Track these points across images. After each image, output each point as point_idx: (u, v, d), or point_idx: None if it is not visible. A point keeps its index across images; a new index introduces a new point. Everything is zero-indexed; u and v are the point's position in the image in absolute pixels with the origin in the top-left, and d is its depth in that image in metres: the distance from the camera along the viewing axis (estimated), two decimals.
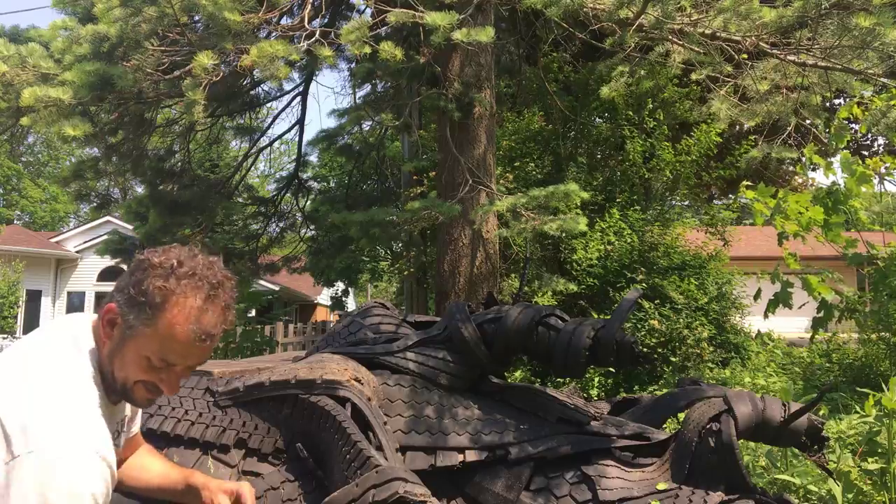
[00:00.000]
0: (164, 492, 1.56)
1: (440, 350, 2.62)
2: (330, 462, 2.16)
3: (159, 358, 1.21)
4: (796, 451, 2.80)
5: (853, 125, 11.85)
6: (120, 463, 1.42)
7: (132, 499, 1.62)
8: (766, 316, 5.11)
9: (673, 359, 6.00)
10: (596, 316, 6.26)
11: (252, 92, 7.67)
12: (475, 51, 5.36)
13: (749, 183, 5.28)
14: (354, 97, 8.80)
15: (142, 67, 4.33)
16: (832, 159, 5.17)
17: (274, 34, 4.94)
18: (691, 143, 7.67)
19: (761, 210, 5.12)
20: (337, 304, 17.67)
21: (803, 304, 5.06)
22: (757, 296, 5.63)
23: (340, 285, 17.50)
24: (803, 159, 5.45)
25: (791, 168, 10.62)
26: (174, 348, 1.20)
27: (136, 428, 1.56)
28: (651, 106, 7.70)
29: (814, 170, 5.91)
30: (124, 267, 8.94)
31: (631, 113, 7.75)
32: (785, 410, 2.32)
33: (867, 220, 5.13)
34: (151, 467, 1.59)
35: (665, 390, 4.65)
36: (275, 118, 9.07)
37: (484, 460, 2.34)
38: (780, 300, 5.01)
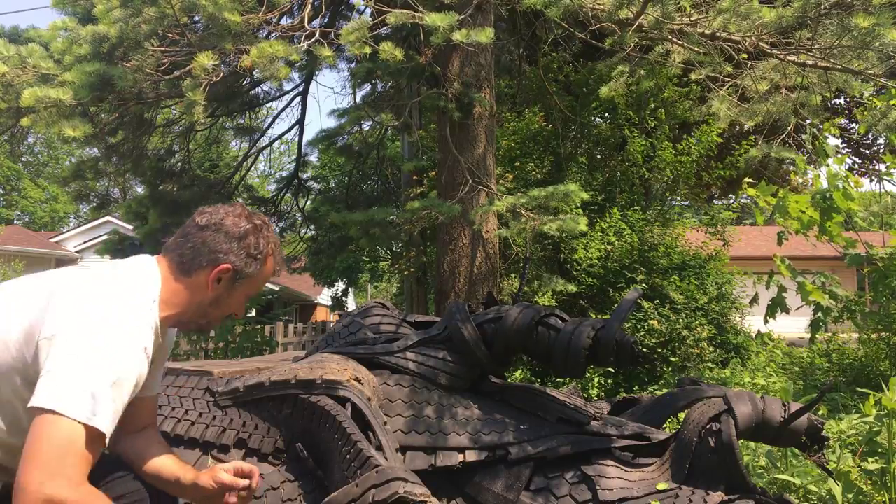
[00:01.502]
0: (177, 490, 1.63)
1: (440, 350, 2.63)
2: (330, 462, 2.16)
3: (254, 294, 1.63)
4: (796, 451, 2.80)
5: (849, 129, 11.86)
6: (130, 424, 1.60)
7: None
8: (765, 321, 5.11)
9: (673, 359, 6.00)
10: (596, 316, 6.26)
11: (252, 92, 7.67)
12: (475, 51, 5.36)
13: (751, 180, 5.28)
14: (354, 97, 8.81)
15: (142, 68, 4.33)
16: (819, 171, 5.18)
17: (274, 34, 4.94)
18: (692, 142, 7.68)
19: (763, 206, 5.12)
20: (337, 304, 17.68)
21: (801, 306, 5.06)
22: (755, 300, 5.63)
23: (340, 285, 17.51)
24: (805, 153, 5.45)
25: (791, 168, 10.62)
26: (264, 284, 1.65)
27: (150, 392, 1.65)
28: (652, 106, 7.71)
29: (808, 171, 5.93)
30: None
31: (631, 113, 7.75)
32: (785, 410, 2.32)
33: (864, 223, 5.13)
34: (165, 467, 1.64)
35: (665, 390, 4.65)
36: (275, 118, 9.07)
37: (484, 460, 2.34)
38: (777, 305, 5.01)
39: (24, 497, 1.16)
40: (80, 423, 1.22)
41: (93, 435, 1.24)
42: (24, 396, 1.27)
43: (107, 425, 1.26)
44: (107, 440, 1.27)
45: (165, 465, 1.61)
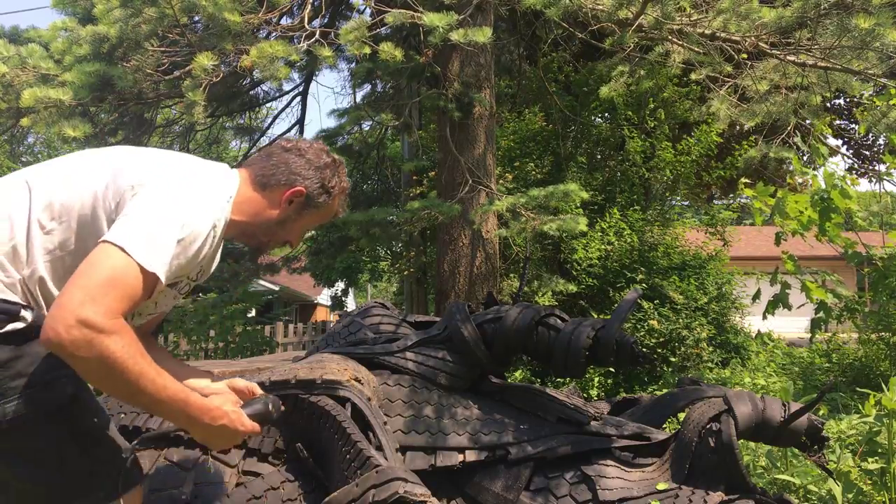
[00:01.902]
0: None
1: (440, 350, 2.63)
2: (330, 462, 2.16)
3: (314, 226, 1.75)
4: (796, 451, 2.80)
5: (849, 129, 11.85)
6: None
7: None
8: (764, 317, 5.11)
9: (672, 359, 6.00)
10: (596, 316, 6.26)
11: (252, 92, 7.66)
12: (475, 51, 5.36)
13: (747, 181, 5.29)
14: (354, 97, 8.79)
15: (142, 68, 4.33)
16: (816, 172, 5.18)
17: (274, 34, 4.94)
18: (691, 142, 7.67)
19: (760, 208, 5.13)
20: (337, 304, 17.67)
21: (802, 305, 5.06)
22: (756, 296, 5.63)
23: (340, 285, 17.50)
24: (805, 155, 5.45)
25: (791, 168, 10.62)
26: (326, 220, 1.74)
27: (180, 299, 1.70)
28: (651, 106, 7.70)
29: (806, 171, 5.93)
30: None
31: (631, 113, 7.75)
32: (785, 410, 2.32)
33: (864, 222, 5.14)
34: (186, 377, 1.65)
35: (665, 390, 4.65)
36: (275, 118, 9.06)
37: (483, 460, 2.34)
38: (780, 301, 5.01)
39: (58, 311, 1.16)
40: (137, 263, 1.24)
41: (147, 278, 1.25)
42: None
43: (163, 272, 1.28)
44: (159, 288, 1.30)
45: (183, 374, 1.62)
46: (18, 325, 1.31)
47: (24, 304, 1.34)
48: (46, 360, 1.32)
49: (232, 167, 1.62)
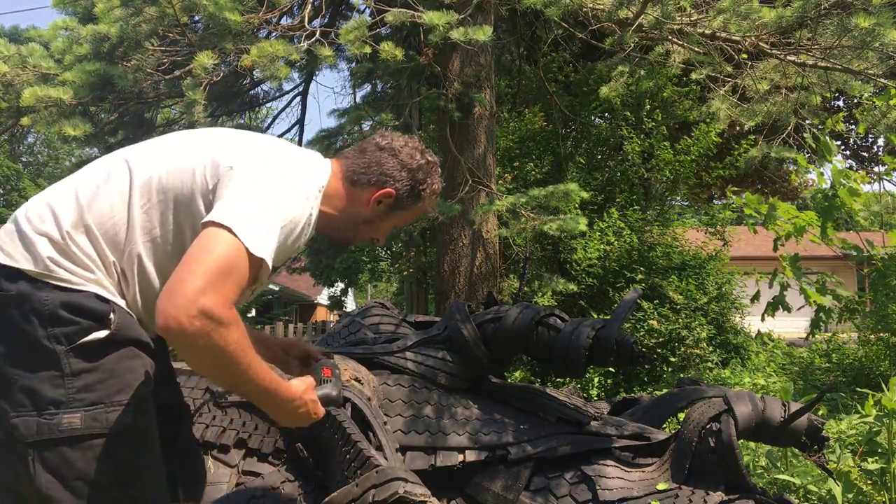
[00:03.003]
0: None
1: (440, 350, 2.63)
2: (330, 462, 2.16)
3: (402, 225, 1.77)
4: (796, 451, 2.80)
5: (848, 131, 11.85)
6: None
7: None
8: (763, 319, 5.12)
9: (672, 359, 6.00)
10: (595, 316, 6.26)
11: (252, 92, 7.65)
12: (475, 51, 5.36)
13: (736, 188, 5.30)
14: (354, 97, 8.78)
15: (142, 67, 4.33)
16: (823, 169, 5.16)
17: (274, 34, 4.94)
18: (690, 142, 7.67)
19: (751, 214, 5.13)
20: (336, 303, 17.68)
21: (802, 306, 5.06)
22: (756, 298, 5.63)
23: (340, 285, 17.50)
24: (807, 153, 5.45)
25: (792, 168, 10.63)
26: (414, 219, 1.77)
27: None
28: (648, 107, 7.69)
29: (810, 170, 5.93)
30: None
31: (629, 113, 7.75)
32: (785, 410, 2.32)
33: (865, 222, 5.13)
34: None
35: (665, 390, 4.65)
36: (275, 118, 9.05)
37: (483, 460, 2.34)
38: (779, 303, 5.01)
39: (178, 299, 1.15)
40: (246, 248, 1.23)
41: (254, 263, 1.25)
42: (198, 223, 1.30)
43: (270, 258, 1.28)
44: (262, 275, 1.30)
45: (263, 349, 1.61)
46: (101, 333, 1.30)
47: (114, 298, 1.33)
48: (117, 381, 1.31)
49: (325, 157, 1.61)
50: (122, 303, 1.36)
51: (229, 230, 1.23)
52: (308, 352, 1.73)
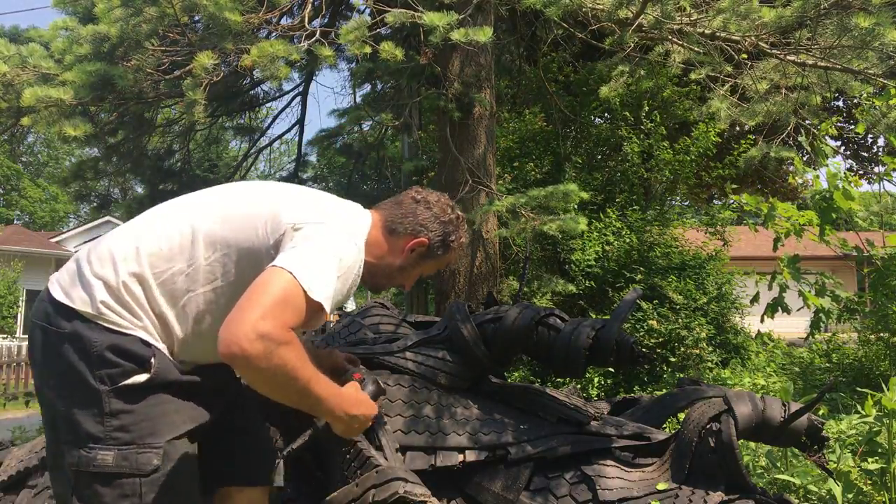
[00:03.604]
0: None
1: (440, 350, 2.63)
2: (330, 462, 2.16)
3: (428, 274, 1.86)
4: (796, 451, 2.80)
5: (848, 131, 11.85)
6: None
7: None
8: (762, 320, 5.12)
9: (672, 359, 5.99)
10: (595, 316, 6.26)
11: (252, 92, 7.66)
12: (475, 51, 5.36)
13: (735, 186, 5.31)
14: (354, 97, 8.78)
15: (142, 67, 4.32)
16: (819, 172, 5.19)
17: (274, 34, 4.93)
18: (689, 142, 7.67)
19: (752, 211, 5.14)
20: None
21: (801, 307, 5.06)
22: (755, 299, 5.63)
23: None
24: (806, 155, 5.46)
25: (792, 168, 10.63)
26: (437, 270, 1.90)
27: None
28: (647, 108, 7.69)
29: (808, 172, 5.94)
30: None
31: (628, 114, 7.75)
32: (785, 410, 2.32)
33: (864, 223, 5.14)
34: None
35: (665, 390, 4.65)
36: (275, 118, 9.05)
37: (483, 460, 2.34)
38: (778, 305, 5.02)
39: (238, 327, 1.25)
40: (304, 289, 1.33)
41: (311, 305, 1.35)
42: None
43: (328, 303, 1.39)
44: (325, 317, 1.42)
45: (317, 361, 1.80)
46: (141, 378, 1.40)
47: (156, 343, 1.43)
48: (150, 424, 1.41)
49: (365, 208, 1.74)
50: (163, 347, 1.46)
51: (289, 271, 1.34)
52: (337, 363, 1.88)
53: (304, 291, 1.33)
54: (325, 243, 1.44)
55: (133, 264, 1.43)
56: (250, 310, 1.27)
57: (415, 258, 1.72)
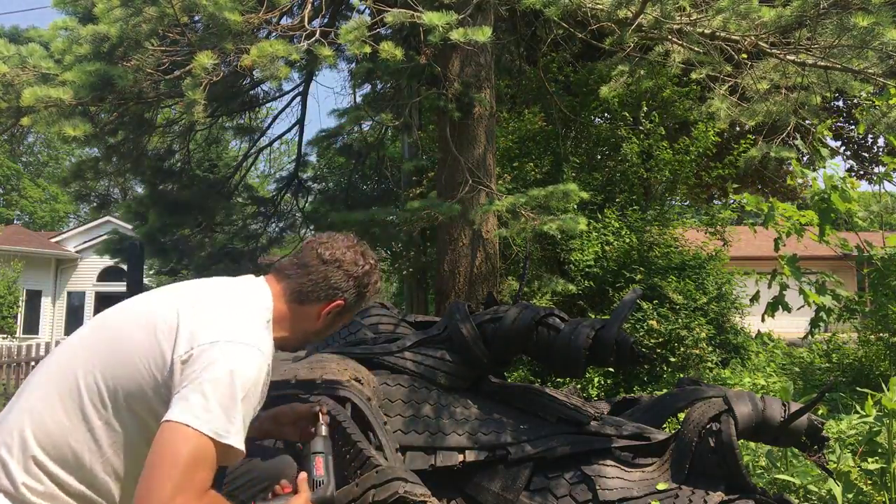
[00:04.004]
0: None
1: (439, 349, 2.63)
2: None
3: (348, 322, 1.85)
4: (796, 451, 2.80)
5: (849, 131, 11.84)
6: None
7: None
8: (763, 319, 5.12)
9: (672, 359, 5.99)
10: (595, 316, 6.26)
11: (252, 92, 7.65)
12: (475, 51, 5.36)
13: (736, 185, 5.31)
14: (354, 97, 8.78)
15: (142, 67, 4.32)
16: (816, 174, 5.20)
17: (274, 34, 4.93)
18: (689, 142, 7.67)
19: (752, 211, 5.15)
20: None
21: (802, 306, 5.06)
22: (755, 298, 5.63)
23: None
24: (804, 156, 5.46)
25: (792, 168, 10.63)
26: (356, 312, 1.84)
27: None
28: (645, 109, 7.70)
29: (806, 173, 5.95)
30: (124, 267, 8.90)
31: (627, 114, 7.75)
32: (785, 410, 2.32)
33: (864, 223, 5.14)
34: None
35: (665, 390, 4.65)
36: (275, 118, 9.05)
37: (483, 460, 2.34)
38: (778, 303, 5.02)
39: None
40: (211, 439, 1.25)
41: (224, 450, 1.28)
42: (160, 413, 1.30)
43: (239, 440, 1.30)
44: (241, 455, 1.32)
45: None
46: None
47: None
48: None
49: (263, 266, 1.60)
50: None
51: (191, 427, 1.24)
52: (299, 414, 1.77)
53: (212, 439, 1.25)
54: (221, 371, 1.30)
55: (24, 460, 1.31)
56: (159, 487, 1.19)
57: (332, 318, 1.63)
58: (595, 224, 6.90)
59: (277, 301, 1.55)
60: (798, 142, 5.19)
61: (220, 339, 1.35)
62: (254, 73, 4.43)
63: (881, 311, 5.05)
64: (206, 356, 1.32)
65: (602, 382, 5.86)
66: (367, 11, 5.04)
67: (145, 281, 8.27)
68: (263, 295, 1.54)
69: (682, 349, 5.99)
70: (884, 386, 2.90)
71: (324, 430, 1.66)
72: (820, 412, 3.98)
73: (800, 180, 10.68)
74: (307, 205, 8.97)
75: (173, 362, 1.32)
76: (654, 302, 6.26)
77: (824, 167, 4.87)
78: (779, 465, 2.99)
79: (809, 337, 5.59)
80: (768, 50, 4.76)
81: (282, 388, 2.30)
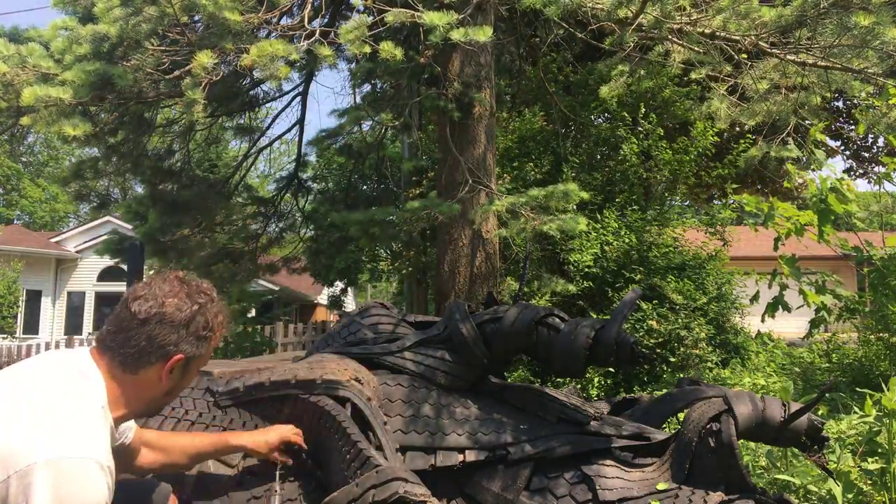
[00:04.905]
0: (199, 459, 1.86)
1: (439, 349, 2.63)
2: (330, 462, 2.16)
3: (204, 365, 1.58)
4: (796, 451, 2.80)
5: (848, 131, 11.84)
6: (127, 464, 1.68)
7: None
8: (763, 320, 5.12)
9: (672, 359, 6.00)
10: (595, 316, 6.26)
11: (252, 92, 7.66)
12: (475, 51, 5.36)
13: (736, 185, 5.31)
14: (354, 97, 8.79)
15: (142, 67, 4.33)
16: (813, 176, 5.21)
17: (274, 34, 4.93)
18: (688, 142, 7.67)
19: (752, 211, 5.15)
20: (336, 303, 17.65)
21: (801, 306, 5.06)
22: (755, 298, 5.63)
23: (340, 285, 17.49)
24: (802, 159, 5.47)
25: (789, 170, 10.62)
26: (212, 353, 1.54)
27: (131, 434, 1.69)
28: (644, 110, 7.70)
29: (805, 174, 5.96)
30: (124, 267, 8.91)
31: (626, 114, 7.75)
32: (785, 410, 2.32)
33: (863, 224, 5.14)
34: (173, 448, 1.80)
35: (665, 390, 4.64)
36: (275, 118, 9.06)
37: (483, 460, 2.34)
38: (778, 303, 5.02)
39: None
40: None
41: None
42: None
43: None
44: None
45: (179, 454, 1.77)
46: None
47: None
48: None
49: (89, 340, 1.46)
50: None
51: None
52: (285, 436, 1.91)
53: None
54: (58, 492, 1.13)
55: None
56: None
57: (178, 374, 1.45)
58: (595, 224, 6.90)
59: (109, 380, 1.37)
60: (791, 145, 5.19)
61: (37, 458, 1.13)
62: (254, 72, 4.43)
63: (881, 311, 5.05)
64: (23, 486, 1.12)
65: (602, 382, 5.86)
66: (368, 11, 5.04)
67: None
68: (91, 375, 1.35)
69: (681, 349, 5.99)
70: (884, 386, 2.90)
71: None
72: (820, 412, 3.98)
73: (800, 180, 10.69)
74: (307, 205, 8.97)
75: (10, 476, 1.12)
76: (654, 302, 6.26)
77: (820, 169, 4.87)
78: (779, 465, 2.99)
79: (809, 337, 5.60)
80: (768, 50, 4.76)
81: (282, 388, 2.30)
